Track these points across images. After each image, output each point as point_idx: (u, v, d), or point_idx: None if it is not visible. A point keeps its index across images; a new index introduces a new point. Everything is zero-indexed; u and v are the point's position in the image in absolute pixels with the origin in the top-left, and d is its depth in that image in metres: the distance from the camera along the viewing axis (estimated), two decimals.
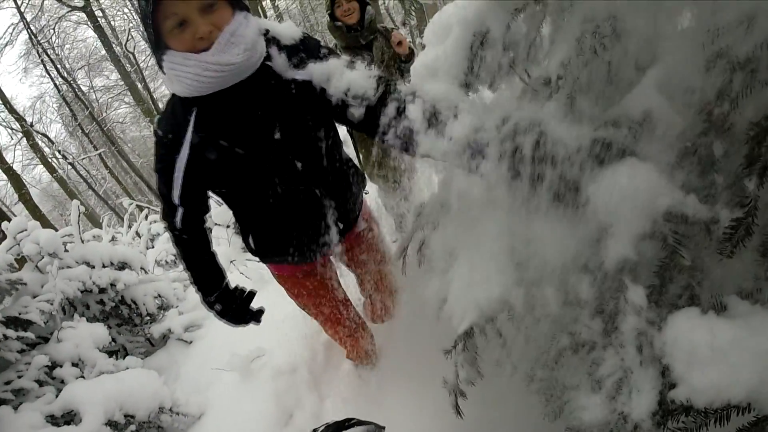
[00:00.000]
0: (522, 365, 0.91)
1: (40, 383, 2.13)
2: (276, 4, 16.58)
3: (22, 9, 12.43)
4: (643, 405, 0.59)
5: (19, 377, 2.10)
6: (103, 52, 14.75)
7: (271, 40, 1.07)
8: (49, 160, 14.44)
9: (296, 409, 1.93)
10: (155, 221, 6.21)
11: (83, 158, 17.22)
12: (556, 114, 0.77)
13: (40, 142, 13.67)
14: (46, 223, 9.00)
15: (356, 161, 1.78)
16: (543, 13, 0.87)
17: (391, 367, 1.87)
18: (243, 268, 3.46)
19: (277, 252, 1.38)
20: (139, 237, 5.67)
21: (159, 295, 3.17)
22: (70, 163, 16.02)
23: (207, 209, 1.28)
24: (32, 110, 16.87)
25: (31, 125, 13.00)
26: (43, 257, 2.68)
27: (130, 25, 15.20)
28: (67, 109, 15.69)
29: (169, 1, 0.93)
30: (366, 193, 1.49)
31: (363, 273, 1.68)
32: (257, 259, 1.45)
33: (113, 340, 2.74)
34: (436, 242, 0.99)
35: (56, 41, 15.14)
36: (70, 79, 15.52)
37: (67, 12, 13.61)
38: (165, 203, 1.21)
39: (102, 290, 2.79)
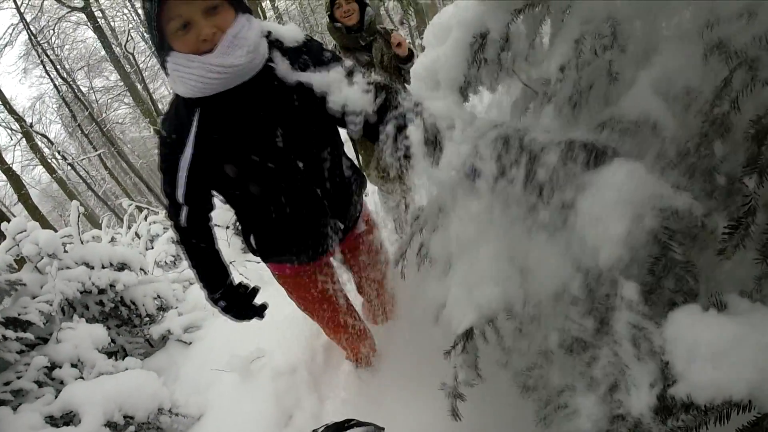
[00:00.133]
0: (519, 365, 0.91)
1: (40, 384, 2.13)
2: (276, 5, 16.58)
3: (22, 9, 12.41)
4: (643, 400, 0.59)
5: (19, 378, 2.10)
6: (103, 52, 14.74)
7: (273, 42, 1.08)
8: (49, 160, 14.43)
9: (296, 409, 1.93)
10: (154, 222, 6.21)
11: (83, 159, 17.22)
12: (553, 117, 0.78)
13: (39, 143, 13.65)
14: (45, 224, 8.98)
15: (356, 162, 1.78)
16: (543, 15, 0.87)
17: (390, 369, 1.87)
18: (242, 269, 3.46)
19: (278, 251, 1.39)
20: (139, 238, 5.67)
21: (158, 296, 3.17)
22: (69, 164, 16.00)
23: (211, 208, 1.29)
24: (32, 111, 16.87)
25: (31, 126, 12.98)
26: (42, 258, 2.67)
27: (130, 25, 15.21)
28: (67, 109, 15.68)
29: (173, 3, 0.94)
30: (365, 195, 1.49)
31: (362, 275, 1.68)
32: (257, 260, 1.45)
33: (112, 341, 2.74)
34: (435, 245, 0.99)
35: (56, 42, 15.13)
36: (69, 79, 15.52)
37: (67, 13, 13.60)
38: (170, 202, 1.22)
39: (101, 291, 2.79)
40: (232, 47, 0.97)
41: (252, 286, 1.45)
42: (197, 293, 3.62)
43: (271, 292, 1.50)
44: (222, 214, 3.92)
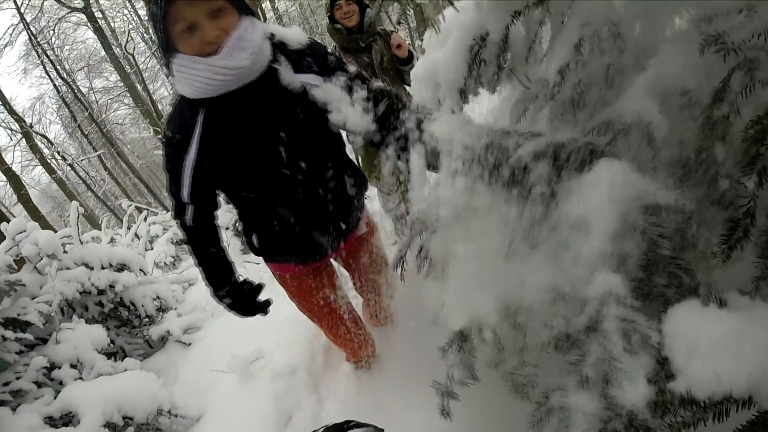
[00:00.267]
0: (511, 362, 0.91)
1: (39, 384, 2.13)
2: (275, 6, 16.59)
3: (22, 10, 12.41)
4: (638, 393, 0.58)
5: (18, 378, 2.10)
6: (103, 53, 14.72)
7: (277, 44, 1.10)
8: (49, 161, 14.41)
9: (295, 411, 1.93)
10: (154, 223, 6.21)
11: (82, 159, 17.21)
12: (551, 119, 0.78)
13: (39, 143, 13.63)
14: (45, 225, 8.98)
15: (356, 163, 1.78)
16: (542, 17, 0.87)
17: (390, 370, 1.87)
18: (242, 270, 3.46)
19: (279, 251, 1.40)
20: (138, 238, 5.68)
21: (158, 297, 3.17)
22: (69, 165, 16.00)
23: (216, 206, 1.31)
24: (32, 111, 16.84)
25: (31, 126, 12.97)
26: (42, 258, 2.67)
27: (130, 26, 15.20)
28: (67, 110, 15.67)
29: (178, 6, 0.96)
30: (366, 198, 1.50)
31: (363, 277, 1.69)
32: (256, 261, 1.46)
33: (112, 341, 2.73)
34: (435, 247, 0.99)
35: (56, 42, 15.12)
36: (69, 80, 15.50)
37: (67, 13, 13.59)
38: (175, 202, 1.24)
39: (101, 292, 2.79)
40: (237, 49, 0.99)
41: (256, 282, 1.47)
42: (197, 294, 3.62)
43: (270, 293, 1.51)
44: (221, 215, 3.91)
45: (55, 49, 15.16)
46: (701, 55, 0.64)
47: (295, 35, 1.13)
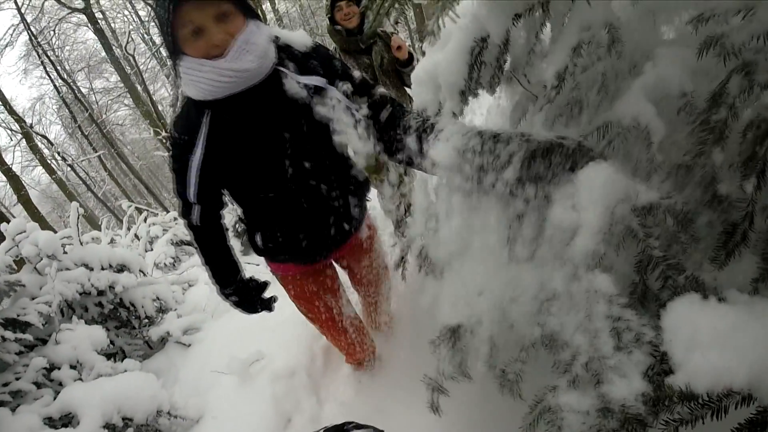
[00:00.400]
0: (503, 359, 0.91)
1: (38, 385, 2.13)
2: (276, 7, 16.60)
3: (23, 10, 12.43)
4: (632, 388, 0.58)
5: (17, 379, 2.09)
6: (103, 54, 14.71)
7: (282, 47, 1.11)
8: (49, 161, 14.41)
9: (295, 412, 1.93)
10: (154, 224, 6.20)
11: (82, 160, 17.21)
12: (551, 121, 0.78)
13: (39, 144, 13.63)
14: (45, 225, 8.97)
15: None
16: (543, 19, 0.87)
17: (390, 372, 1.86)
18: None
19: (282, 251, 1.40)
20: (138, 239, 5.67)
21: (158, 298, 3.16)
22: (69, 165, 16.00)
23: (222, 206, 1.33)
24: (32, 112, 16.83)
25: (31, 126, 12.98)
26: (41, 259, 2.67)
27: (130, 27, 15.23)
28: (67, 110, 15.68)
29: (185, 9, 0.97)
30: (368, 200, 1.51)
31: (364, 279, 1.69)
32: (256, 262, 1.47)
33: (111, 342, 2.73)
34: (434, 248, 1.00)
35: (56, 43, 15.13)
36: (70, 80, 15.51)
37: (68, 14, 13.60)
38: (182, 201, 1.26)
39: (100, 292, 2.78)
40: (243, 52, 1.00)
41: (262, 280, 1.49)
42: (196, 295, 3.62)
43: (272, 293, 1.51)
44: None
45: (56, 50, 15.18)
46: (699, 58, 0.64)
47: (300, 38, 1.15)
